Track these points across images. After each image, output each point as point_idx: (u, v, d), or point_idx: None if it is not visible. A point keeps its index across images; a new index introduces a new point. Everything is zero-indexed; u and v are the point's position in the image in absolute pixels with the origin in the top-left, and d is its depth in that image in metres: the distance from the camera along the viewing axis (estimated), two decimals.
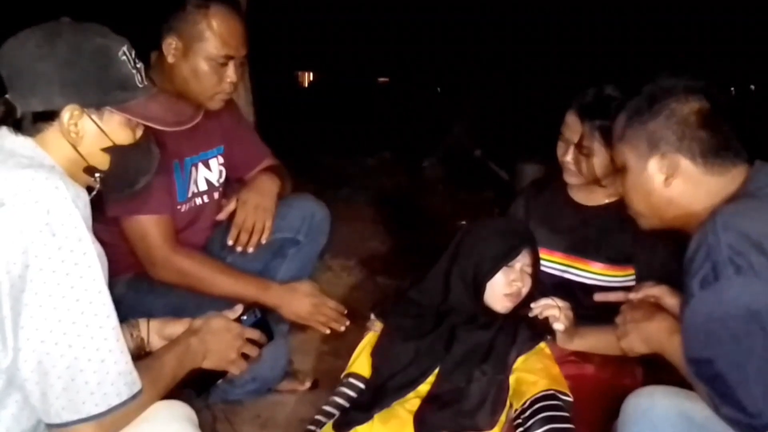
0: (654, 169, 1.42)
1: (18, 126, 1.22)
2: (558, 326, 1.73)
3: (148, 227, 1.96)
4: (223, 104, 2.08)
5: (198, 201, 2.18)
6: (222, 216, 2.15)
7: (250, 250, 2.10)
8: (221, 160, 2.25)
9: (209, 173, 2.21)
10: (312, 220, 2.26)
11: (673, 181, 1.40)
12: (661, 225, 1.49)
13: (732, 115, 1.41)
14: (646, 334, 1.51)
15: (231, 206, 2.13)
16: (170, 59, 1.98)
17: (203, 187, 2.19)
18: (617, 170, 1.53)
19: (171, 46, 1.97)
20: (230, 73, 2.00)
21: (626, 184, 1.49)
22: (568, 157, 1.98)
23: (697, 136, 1.37)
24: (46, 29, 1.25)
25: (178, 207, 2.10)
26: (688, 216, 1.39)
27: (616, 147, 1.50)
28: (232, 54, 1.98)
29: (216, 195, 2.23)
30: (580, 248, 2.00)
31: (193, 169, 2.15)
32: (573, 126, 1.96)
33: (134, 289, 2.00)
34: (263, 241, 2.11)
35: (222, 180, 2.26)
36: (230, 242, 2.08)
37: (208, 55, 1.96)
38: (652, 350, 1.51)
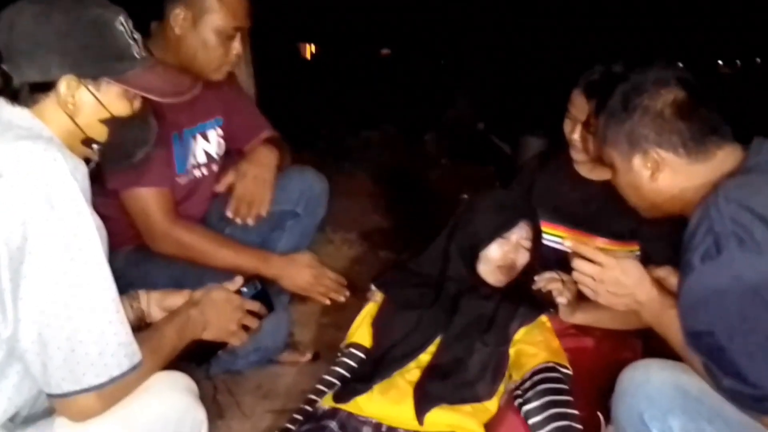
0: (639, 167, 1.43)
1: (15, 97, 1.22)
2: (561, 300, 1.73)
3: (148, 200, 1.96)
4: (226, 75, 2.07)
5: (197, 173, 2.17)
6: (220, 188, 2.14)
7: (250, 222, 2.09)
8: (220, 131, 2.24)
9: (208, 145, 2.20)
10: (311, 193, 2.26)
11: (659, 176, 1.41)
12: (660, 214, 1.51)
13: (711, 97, 1.40)
14: (636, 305, 1.47)
15: (229, 178, 2.13)
16: (177, 30, 1.95)
17: (202, 159, 2.18)
18: (609, 168, 1.54)
19: (179, 17, 1.94)
20: (236, 44, 1.99)
21: (618, 182, 1.52)
22: (576, 135, 1.97)
23: (676, 128, 1.38)
24: None
25: (177, 179, 2.10)
26: (683, 202, 1.40)
27: (602, 149, 1.52)
28: (241, 25, 1.98)
29: (215, 167, 2.23)
30: (584, 223, 1.99)
31: (192, 140, 2.14)
32: (580, 104, 1.95)
33: (135, 262, 2.00)
34: (263, 213, 2.11)
35: (221, 152, 2.25)
36: (230, 215, 2.08)
37: (218, 27, 1.94)
38: (641, 320, 1.48)
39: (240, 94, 2.37)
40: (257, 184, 2.10)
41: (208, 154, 2.20)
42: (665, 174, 1.41)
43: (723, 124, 1.39)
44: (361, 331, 1.81)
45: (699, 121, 1.38)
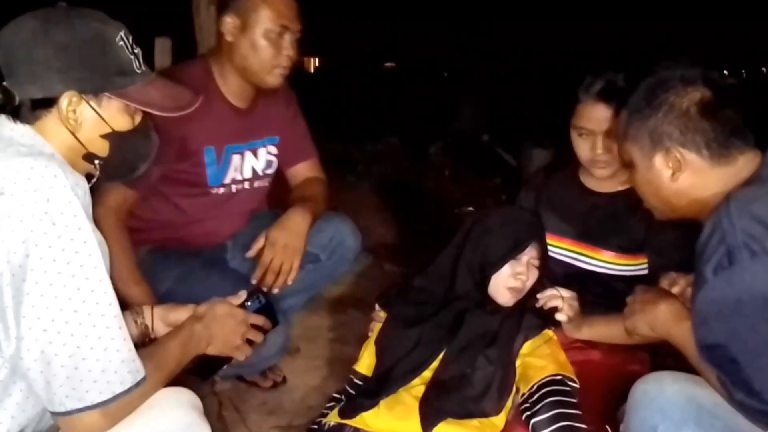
0: (660, 165, 1.40)
1: (16, 114, 1.21)
2: (560, 317, 1.72)
3: (110, 190, 1.93)
4: (282, 80, 2.08)
5: (237, 187, 2.19)
6: (251, 253, 2.08)
7: (275, 291, 2.04)
8: (273, 150, 2.27)
9: (255, 161, 2.22)
10: (341, 246, 2.25)
11: (681, 175, 1.38)
12: (675, 216, 1.48)
13: (736, 100, 1.38)
14: (651, 318, 1.50)
15: (260, 243, 2.07)
16: (229, 38, 2.02)
17: (248, 174, 2.21)
18: (626, 165, 1.51)
19: (230, 24, 2.01)
20: (287, 45, 2.03)
21: (636, 180, 1.49)
22: (599, 150, 1.88)
23: (700, 128, 1.35)
24: (42, 15, 1.24)
25: (212, 189, 2.13)
26: (701, 206, 1.37)
27: (621, 145, 1.49)
28: (287, 24, 2.01)
29: (257, 183, 2.25)
30: (591, 235, 1.98)
31: (237, 156, 2.16)
32: (597, 114, 1.86)
33: (152, 258, 2.05)
34: (289, 282, 2.06)
35: (270, 170, 2.28)
36: (254, 281, 2.03)
37: (265, 27, 1.99)
38: (656, 334, 1.50)
39: (297, 116, 2.37)
40: (286, 252, 2.04)
41: (254, 171, 2.22)
42: (686, 175, 1.37)
43: (746, 129, 1.37)
44: (364, 361, 1.80)
45: (724, 123, 1.35)
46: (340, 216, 2.33)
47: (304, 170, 2.36)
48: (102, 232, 1.91)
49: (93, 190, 1.22)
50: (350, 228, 2.30)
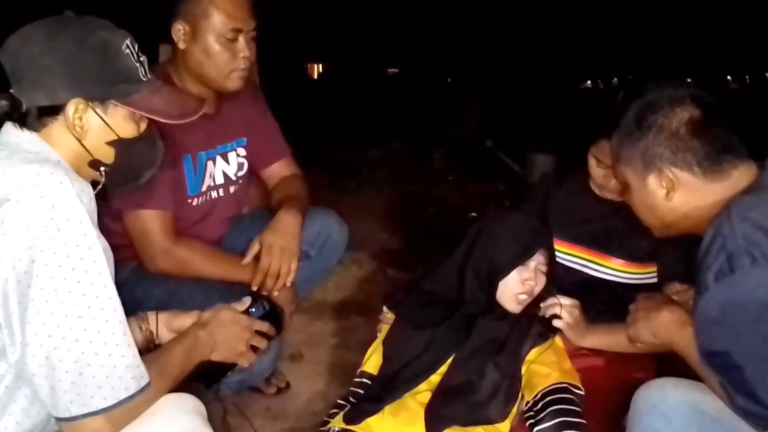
0: (654, 186, 1.42)
1: (23, 121, 1.22)
2: (558, 323, 1.72)
3: (150, 222, 1.96)
4: (242, 83, 2.04)
5: (213, 194, 2.17)
6: (247, 260, 2.07)
7: (275, 294, 2.05)
8: (242, 152, 2.24)
9: (227, 166, 2.20)
10: (328, 239, 2.25)
11: (675, 194, 1.40)
12: (673, 233, 1.49)
13: (727, 115, 1.39)
14: (654, 325, 1.50)
15: (255, 249, 2.07)
16: (181, 45, 1.98)
17: (220, 180, 2.18)
18: (622, 187, 1.53)
19: (180, 31, 1.97)
20: (242, 47, 1.97)
21: (632, 200, 1.50)
22: (613, 182, 1.89)
23: (690, 147, 1.36)
24: (49, 23, 1.25)
25: (189, 201, 2.10)
26: (698, 222, 1.38)
27: (616, 168, 1.51)
28: (240, 27, 1.96)
29: (232, 188, 2.22)
30: (600, 242, 1.97)
31: (210, 163, 2.14)
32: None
33: (136, 276, 2.01)
34: (288, 285, 2.07)
35: (242, 173, 2.25)
36: (254, 288, 2.04)
37: (216, 32, 1.94)
38: (659, 341, 1.50)
39: (265, 115, 2.34)
40: (283, 256, 2.04)
41: (226, 176, 2.19)
42: (680, 193, 1.39)
43: (738, 143, 1.37)
44: (371, 361, 1.79)
45: (714, 140, 1.36)
46: (325, 210, 2.32)
47: (280, 169, 2.34)
48: (190, 259, 1.99)
49: (98, 197, 1.23)
50: (336, 221, 2.29)
